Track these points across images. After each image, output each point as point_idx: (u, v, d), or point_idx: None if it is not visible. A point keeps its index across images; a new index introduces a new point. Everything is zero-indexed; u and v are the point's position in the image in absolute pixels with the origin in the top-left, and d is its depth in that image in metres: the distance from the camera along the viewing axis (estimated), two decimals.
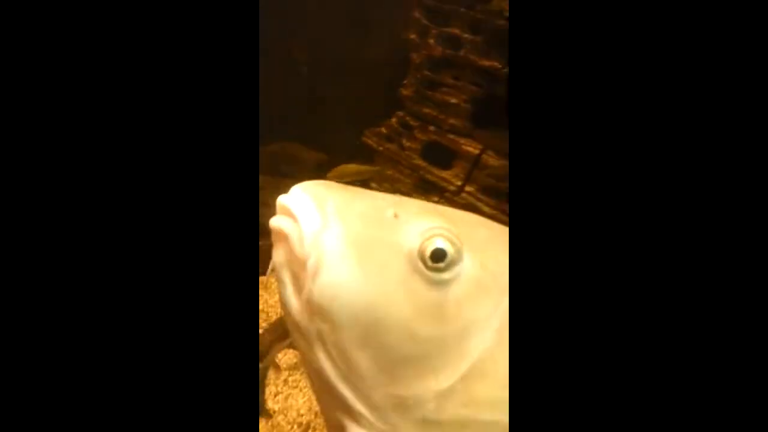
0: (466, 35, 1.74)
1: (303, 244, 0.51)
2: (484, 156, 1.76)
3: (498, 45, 1.67)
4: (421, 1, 1.85)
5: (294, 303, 0.52)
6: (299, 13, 2.16)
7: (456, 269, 0.51)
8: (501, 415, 0.48)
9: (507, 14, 1.61)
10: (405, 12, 1.89)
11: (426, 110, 1.89)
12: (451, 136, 1.83)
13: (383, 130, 2.03)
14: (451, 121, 1.82)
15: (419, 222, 0.53)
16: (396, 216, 0.54)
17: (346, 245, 0.51)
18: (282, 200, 0.54)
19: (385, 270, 0.51)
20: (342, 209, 0.52)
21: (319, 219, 0.51)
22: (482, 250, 0.54)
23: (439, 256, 0.51)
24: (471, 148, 1.79)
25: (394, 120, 2.00)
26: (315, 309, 0.51)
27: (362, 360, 0.50)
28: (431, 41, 1.83)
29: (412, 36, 1.88)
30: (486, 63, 1.68)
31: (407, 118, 1.95)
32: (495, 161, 1.74)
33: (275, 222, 0.53)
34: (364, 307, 0.50)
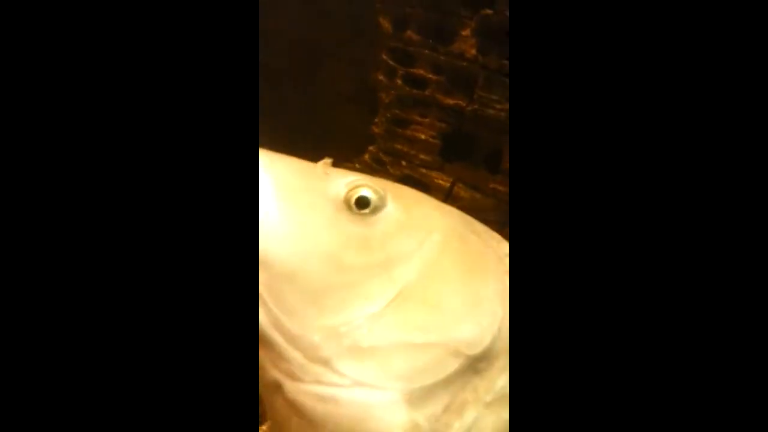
0: (430, 75, 1.84)
1: None
2: (456, 188, 1.85)
3: (461, 84, 1.77)
4: (388, 44, 1.95)
5: None
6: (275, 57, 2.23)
7: (380, 214, 0.55)
8: (434, 337, 0.50)
9: (467, 55, 1.72)
10: (373, 53, 1.99)
11: (397, 146, 1.97)
12: (423, 170, 1.91)
13: (357, 165, 2.10)
14: (422, 156, 1.91)
15: (345, 176, 0.57)
16: (326, 173, 0.57)
17: (272, 190, 0.52)
18: None
19: (311, 211, 0.54)
20: (269, 163, 0.54)
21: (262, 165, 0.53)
22: (408, 200, 0.57)
23: (363, 203, 0.54)
24: (442, 181, 1.87)
25: (366, 156, 2.07)
26: None
27: (291, 296, 0.51)
28: (398, 81, 1.93)
29: (381, 77, 1.97)
30: (450, 101, 1.78)
31: (380, 154, 2.03)
32: (465, 193, 1.83)
33: None
34: (289, 242, 0.51)
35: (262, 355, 0.52)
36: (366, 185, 0.55)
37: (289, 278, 0.51)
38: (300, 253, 0.52)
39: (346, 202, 0.55)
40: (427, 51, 1.85)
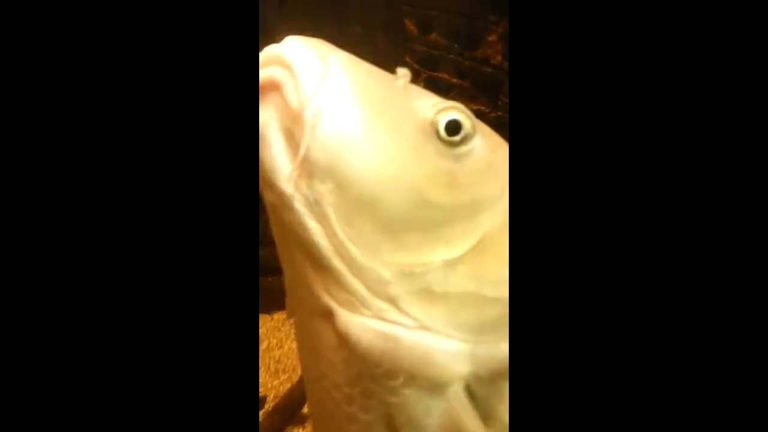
0: (454, 80, 1.82)
1: (301, 92, 0.45)
2: None
3: (485, 89, 1.75)
4: (413, 48, 1.93)
5: (280, 167, 0.46)
6: None
7: (470, 145, 0.48)
8: (502, 293, 0.46)
9: (492, 61, 1.70)
10: (397, 56, 1.98)
11: None
12: None
13: None
14: None
15: (431, 96, 0.50)
16: (406, 88, 0.50)
17: (353, 96, 0.46)
18: (271, 49, 0.47)
19: (396, 130, 0.47)
20: (347, 64, 0.47)
21: (321, 67, 0.46)
22: (493, 140, 0.51)
23: (453, 128, 0.48)
24: None
25: None
26: (314, 167, 0.45)
27: (366, 224, 0.46)
28: (421, 85, 1.91)
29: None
30: (473, 106, 1.76)
31: None
32: None
33: (264, 72, 0.47)
34: (373, 164, 0.46)
35: (313, 279, 0.47)
36: (457, 108, 0.49)
37: (367, 204, 0.45)
38: (384, 178, 0.45)
39: (434, 125, 0.48)
40: (452, 55, 1.83)
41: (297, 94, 0.45)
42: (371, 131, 0.46)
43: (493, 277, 0.47)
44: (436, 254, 0.47)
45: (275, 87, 0.46)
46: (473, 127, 0.49)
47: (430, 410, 0.48)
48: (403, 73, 0.51)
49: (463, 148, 0.48)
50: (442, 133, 0.48)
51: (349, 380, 0.49)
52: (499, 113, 1.72)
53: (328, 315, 0.47)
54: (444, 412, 0.47)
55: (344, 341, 0.47)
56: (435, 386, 0.47)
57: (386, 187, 0.46)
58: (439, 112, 0.48)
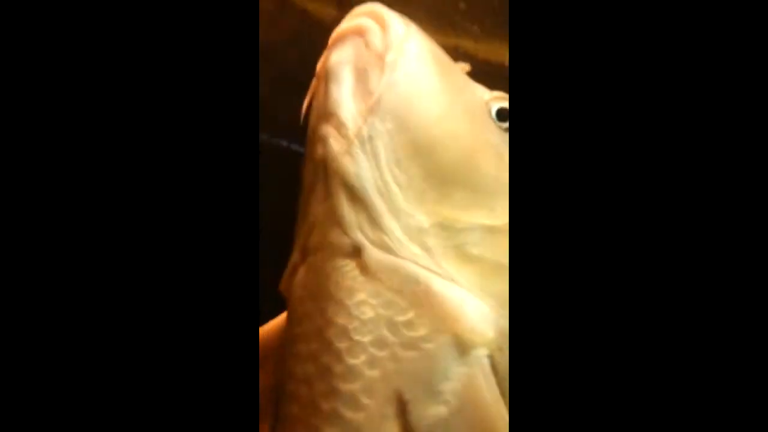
0: None
1: (388, 40, 0.48)
2: None
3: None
4: None
5: (347, 102, 0.48)
6: None
7: None
8: None
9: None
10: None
11: None
12: None
13: None
14: None
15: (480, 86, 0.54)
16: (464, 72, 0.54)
17: (428, 55, 0.49)
18: (365, 6, 0.51)
19: (460, 95, 0.50)
20: (421, 34, 0.51)
21: (404, 28, 0.49)
22: None
23: (504, 116, 0.51)
24: None
25: None
26: (382, 105, 0.47)
27: (415, 169, 0.46)
28: None
29: None
30: None
31: None
32: None
33: (351, 20, 0.51)
34: (436, 115, 0.48)
35: (350, 216, 0.47)
36: (506, 99, 0.51)
37: (421, 150, 0.47)
38: (443, 130, 0.48)
39: (488, 106, 0.51)
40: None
41: (383, 41, 0.48)
42: (440, 87, 0.49)
43: None
44: (478, 216, 0.47)
45: (359, 33, 0.49)
46: None
47: (448, 373, 0.45)
48: (463, 65, 0.55)
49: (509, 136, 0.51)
50: (494, 116, 0.51)
51: (362, 327, 0.46)
52: None
53: (357, 253, 0.47)
54: (463, 377, 0.45)
55: (371, 279, 0.46)
56: (459, 345, 0.45)
57: (443, 139, 0.47)
58: (493, 99, 0.52)
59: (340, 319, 0.46)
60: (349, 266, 0.47)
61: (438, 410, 0.44)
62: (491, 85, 0.55)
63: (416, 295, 0.45)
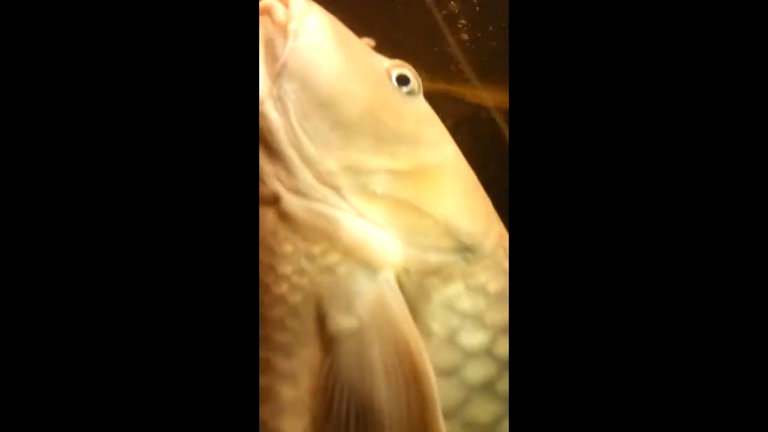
0: None
1: (289, 12, 0.55)
2: None
3: None
4: None
5: (265, 76, 0.55)
6: None
7: (416, 99, 0.58)
8: (439, 213, 0.54)
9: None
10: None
11: None
12: None
13: None
14: None
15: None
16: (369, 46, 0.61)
17: (329, 23, 0.57)
18: None
19: (360, 59, 0.57)
20: (321, 9, 0.57)
21: (305, 3, 0.56)
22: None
23: (403, 80, 0.58)
24: None
25: None
26: (287, 67, 0.53)
27: (321, 121, 0.53)
28: None
29: None
30: None
31: None
32: None
33: (263, 2, 0.57)
34: (335, 73, 0.55)
35: (268, 167, 0.54)
36: (407, 66, 0.59)
37: (325, 102, 0.54)
38: (344, 87, 0.54)
39: (388, 73, 0.58)
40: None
41: (286, 14, 0.55)
42: (338, 50, 0.55)
43: (429, 198, 0.54)
44: (381, 161, 0.54)
45: (266, 12, 0.56)
46: (419, 86, 0.58)
47: (360, 290, 0.52)
48: (368, 40, 0.61)
49: (410, 98, 0.58)
50: (394, 80, 0.57)
51: (284, 260, 0.53)
52: None
53: (276, 201, 0.53)
54: (372, 293, 0.52)
55: (287, 223, 0.52)
56: (368, 267, 0.52)
57: (344, 94, 0.54)
58: (393, 66, 0.58)
59: (266, 258, 0.53)
60: (270, 213, 0.53)
61: (351, 322, 0.51)
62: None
63: (327, 230, 0.52)
